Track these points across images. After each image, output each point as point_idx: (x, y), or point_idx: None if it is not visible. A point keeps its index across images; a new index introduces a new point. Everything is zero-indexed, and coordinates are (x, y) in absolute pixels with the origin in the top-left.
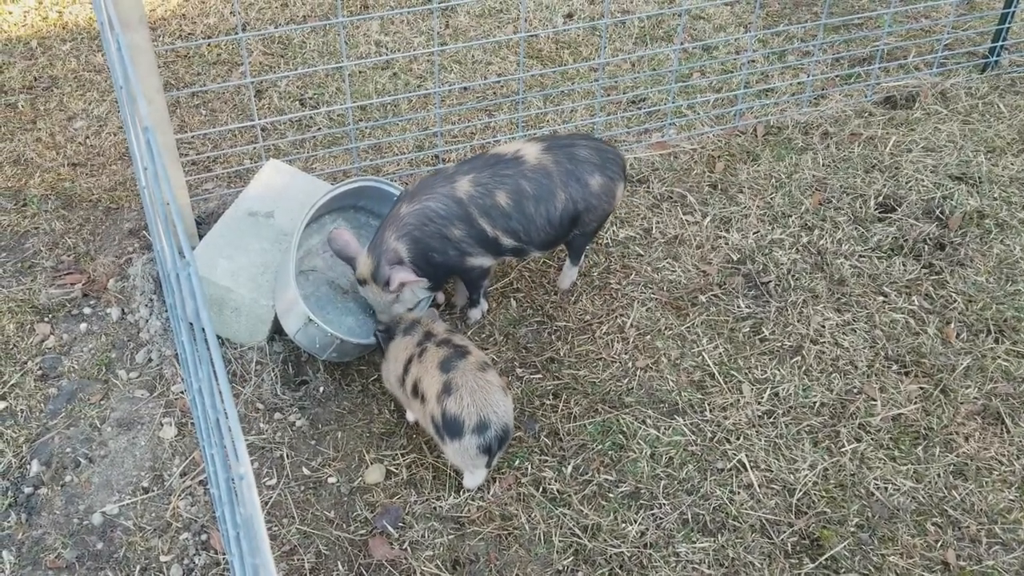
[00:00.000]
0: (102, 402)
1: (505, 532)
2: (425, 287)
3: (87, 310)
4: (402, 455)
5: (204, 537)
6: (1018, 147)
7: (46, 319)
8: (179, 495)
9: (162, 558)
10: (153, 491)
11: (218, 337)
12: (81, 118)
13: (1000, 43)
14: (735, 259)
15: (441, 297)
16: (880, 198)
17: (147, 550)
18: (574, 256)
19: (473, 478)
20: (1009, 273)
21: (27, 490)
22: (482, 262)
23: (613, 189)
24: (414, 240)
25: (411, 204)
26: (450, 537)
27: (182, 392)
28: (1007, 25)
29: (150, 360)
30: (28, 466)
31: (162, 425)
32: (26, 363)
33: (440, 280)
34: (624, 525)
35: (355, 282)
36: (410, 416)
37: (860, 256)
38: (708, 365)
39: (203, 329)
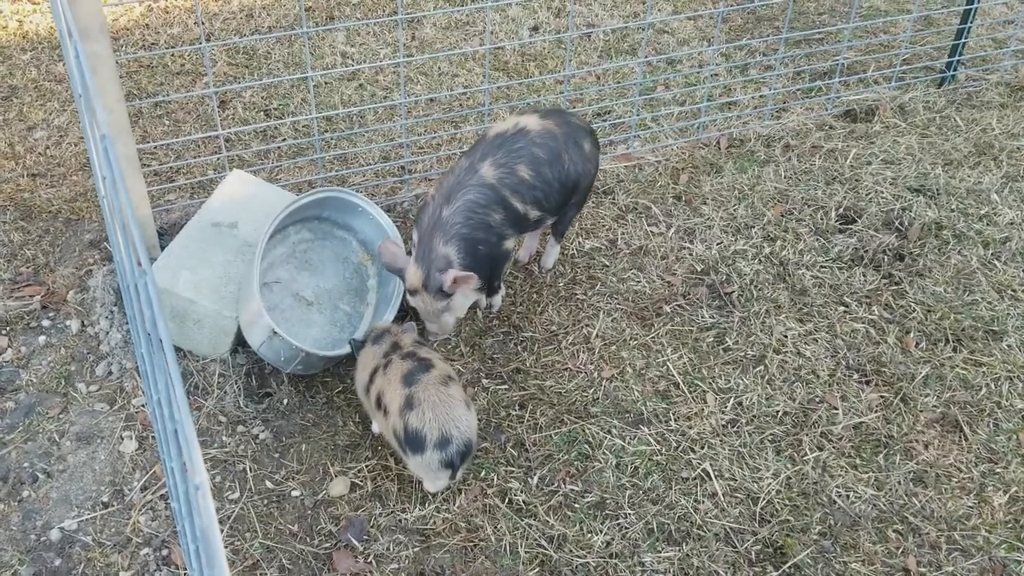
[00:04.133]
0: (61, 416)
1: (471, 544)
2: (475, 286)
3: (46, 322)
4: (367, 467)
5: (165, 552)
6: (974, 160)
7: (3, 332)
8: (140, 510)
9: (122, 574)
10: (113, 506)
11: (180, 349)
12: (41, 128)
13: (956, 58)
14: (699, 270)
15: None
16: (841, 210)
17: (106, 566)
18: (558, 233)
19: (435, 484)
20: (966, 283)
21: None
22: (509, 245)
23: (597, 156)
24: (462, 238)
25: (450, 205)
26: (415, 549)
27: (143, 405)
28: (963, 40)
29: (110, 373)
30: None
31: (122, 439)
32: None
33: (485, 275)
34: (590, 535)
35: (402, 292)
36: (375, 428)
37: (821, 267)
38: (673, 375)
39: (160, 340)
